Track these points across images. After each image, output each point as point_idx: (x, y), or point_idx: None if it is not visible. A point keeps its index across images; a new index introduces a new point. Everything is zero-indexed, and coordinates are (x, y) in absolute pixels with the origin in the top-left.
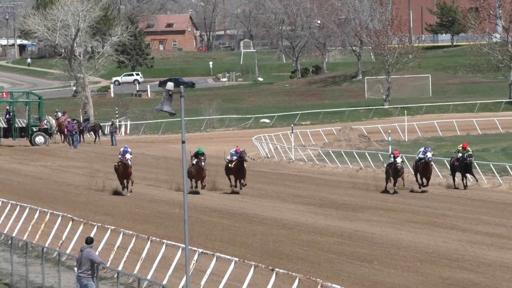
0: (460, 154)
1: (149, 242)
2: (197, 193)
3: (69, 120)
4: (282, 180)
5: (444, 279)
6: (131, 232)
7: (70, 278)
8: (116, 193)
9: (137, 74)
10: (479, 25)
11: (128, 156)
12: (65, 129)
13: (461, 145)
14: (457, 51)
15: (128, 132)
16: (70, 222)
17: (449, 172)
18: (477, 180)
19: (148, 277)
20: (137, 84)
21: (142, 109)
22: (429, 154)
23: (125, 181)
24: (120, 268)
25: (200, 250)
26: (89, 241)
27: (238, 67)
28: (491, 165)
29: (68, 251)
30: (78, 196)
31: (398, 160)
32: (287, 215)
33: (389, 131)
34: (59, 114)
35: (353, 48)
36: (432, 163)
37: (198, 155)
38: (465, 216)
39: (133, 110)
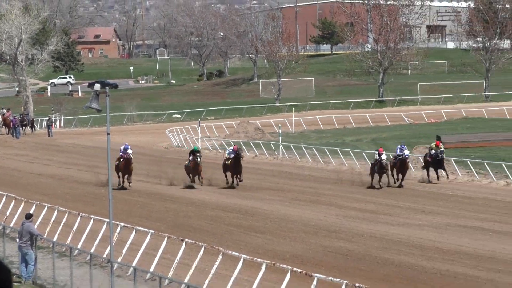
0: (433, 151)
1: (79, 217)
2: (192, 187)
3: (15, 115)
4: None
5: (324, 247)
6: (64, 209)
7: (13, 247)
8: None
9: (70, 77)
10: (354, 37)
11: (129, 151)
12: (10, 123)
13: (435, 143)
14: (335, 59)
15: (62, 125)
16: (13, 201)
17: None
18: (447, 175)
19: (79, 247)
20: (70, 85)
21: (73, 106)
22: (406, 152)
23: (126, 176)
24: (55, 239)
25: (122, 224)
26: (29, 216)
27: (154, 71)
28: (363, 153)
29: (11, 225)
30: (20, 179)
31: (383, 157)
32: (195, 194)
33: (280, 124)
34: (4, 110)
35: (250, 55)
36: (408, 160)
37: (194, 152)
38: (342, 195)
39: (66, 107)
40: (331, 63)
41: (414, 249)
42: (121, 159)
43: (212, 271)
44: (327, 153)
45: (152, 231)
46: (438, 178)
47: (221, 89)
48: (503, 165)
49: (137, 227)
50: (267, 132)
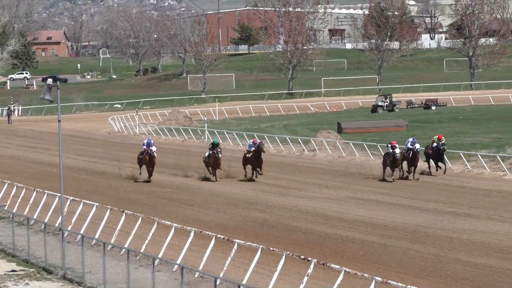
0: (435, 144)
1: (35, 192)
2: (208, 179)
3: None
4: (129, 148)
5: (243, 217)
6: (22, 185)
7: None
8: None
9: (26, 73)
10: (267, 39)
11: (153, 148)
12: None
13: (437, 136)
14: (252, 57)
15: (20, 114)
16: None
17: (423, 159)
18: (446, 167)
19: (35, 217)
20: (26, 80)
21: (30, 98)
22: (417, 146)
23: (149, 168)
24: (14, 210)
25: (71, 198)
26: None
27: (98, 68)
28: (276, 137)
29: None
30: None
31: (397, 151)
32: (132, 173)
33: (205, 113)
34: None
35: (180, 54)
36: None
37: (214, 145)
38: None
39: (24, 98)
40: (248, 61)
41: (319, 218)
42: (144, 153)
43: (148, 238)
44: (245, 137)
45: (97, 204)
46: (437, 170)
47: (155, 83)
48: None
49: (84, 200)
50: (194, 120)
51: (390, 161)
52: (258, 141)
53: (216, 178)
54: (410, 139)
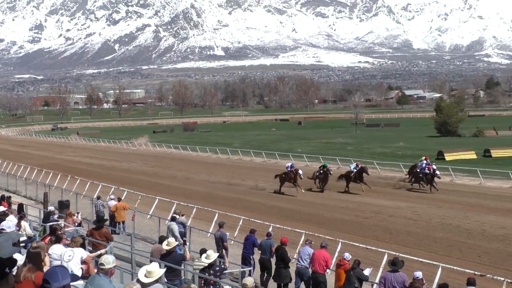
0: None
1: None
2: (322, 191)
3: None
4: (9, 142)
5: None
6: None
7: None
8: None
9: None
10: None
11: (300, 171)
12: None
13: (424, 157)
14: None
15: None
16: None
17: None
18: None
19: None
20: None
21: None
22: (434, 167)
23: (294, 184)
24: None
25: (7, 161)
26: None
27: None
28: (101, 139)
29: None
30: None
31: (434, 167)
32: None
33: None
34: None
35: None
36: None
37: (324, 167)
38: (53, 149)
39: None
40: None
41: (129, 172)
42: (287, 173)
43: (49, 177)
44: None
45: (24, 165)
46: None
47: (16, 119)
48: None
49: (18, 163)
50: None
51: (427, 178)
52: (361, 165)
53: (323, 189)
54: (424, 162)
